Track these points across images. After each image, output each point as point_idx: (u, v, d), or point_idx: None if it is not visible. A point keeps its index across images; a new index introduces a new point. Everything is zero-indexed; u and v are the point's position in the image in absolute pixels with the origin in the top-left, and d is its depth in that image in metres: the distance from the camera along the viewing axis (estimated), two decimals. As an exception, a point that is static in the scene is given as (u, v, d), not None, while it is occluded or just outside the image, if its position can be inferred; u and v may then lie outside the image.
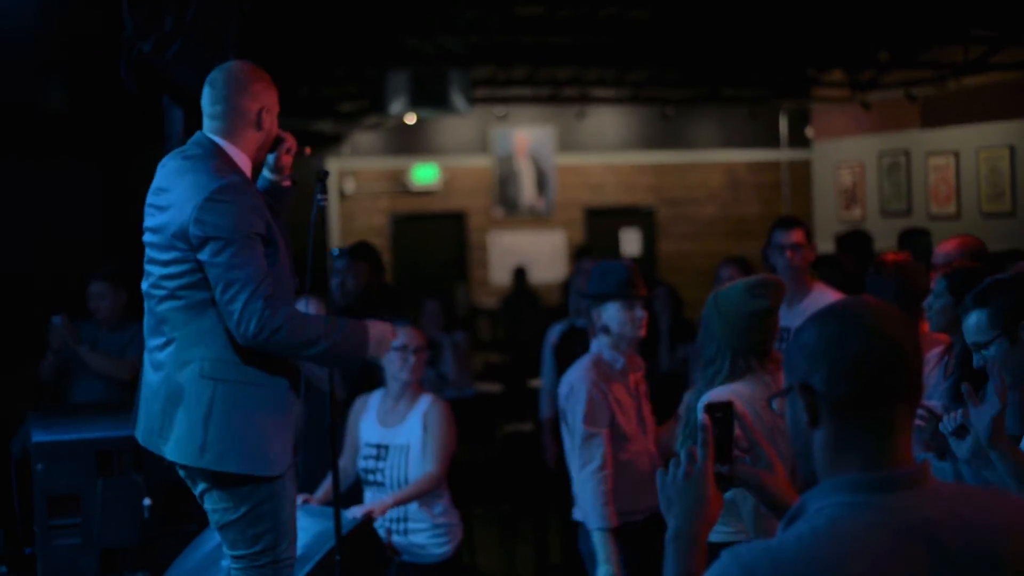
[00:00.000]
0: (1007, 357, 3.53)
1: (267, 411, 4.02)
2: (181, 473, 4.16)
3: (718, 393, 3.93)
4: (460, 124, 15.24)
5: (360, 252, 6.58)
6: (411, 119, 14.29)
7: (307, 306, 4.47)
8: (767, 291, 4.05)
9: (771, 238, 6.15)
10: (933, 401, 3.96)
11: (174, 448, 4.03)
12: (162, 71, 6.36)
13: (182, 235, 3.92)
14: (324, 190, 4.39)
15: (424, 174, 15.41)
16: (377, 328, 4.07)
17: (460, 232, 15.69)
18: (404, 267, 15.32)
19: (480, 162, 15.68)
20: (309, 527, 5.25)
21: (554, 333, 7.54)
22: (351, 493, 5.78)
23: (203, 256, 3.90)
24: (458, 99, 12.75)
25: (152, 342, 4.08)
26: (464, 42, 12.49)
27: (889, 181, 15.19)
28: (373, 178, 15.38)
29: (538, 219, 15.84)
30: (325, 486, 5.60)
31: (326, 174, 4.43)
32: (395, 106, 12.75)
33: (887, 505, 1.94)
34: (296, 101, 13.84)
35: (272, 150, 4.26)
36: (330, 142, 15.03)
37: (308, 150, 4.36)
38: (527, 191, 15.78)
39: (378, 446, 5.64)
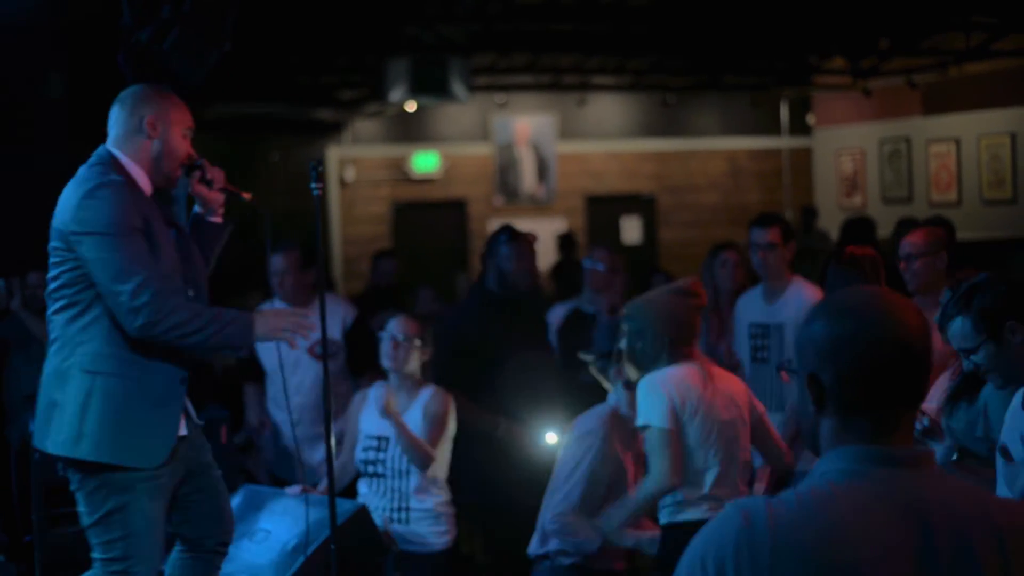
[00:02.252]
0: (996, 360, 3.55)
1: (147, 404, 4.07)
2: (62, 472, 4.18)
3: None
4: (461, 112, 15.22)
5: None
6: (411, 107, 14.29)
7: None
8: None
9: (749, 235, 6.17)
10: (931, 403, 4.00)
11: (54, 440, 4.08)
12: (159, 60, 6.36)
13: (61, 236, 4.02)
14: (318, 179, 4.40)
15: (425, 162, 15.40)
16: (271, 316, 4.19)
17: (461, 220, 15.69)
18: (405, 255, 15.32)
19: (481, 150, 15.67)
20: (305, 515, 5.26)
21: (556, 315, 7.50)
22: (351, 488, 5.79)
23: (86, 252, 3.96)
24: (458, 87, 12.74)
25: (48, 347, 4.17)
26: (464, 30, 12.49)
27: (890, 168, 15.18)
28: (374, 166, 15.37)
29: (539, 207, 15.83)
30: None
31: (319, 163, 4.45)
32: (395, 94, 12.74)
33: (885, 478, 1.99)
34: (296, 89, 13.85)
35: (188, 173, 4.32)
36: (330, 130, 15.02)
37: (248, 195, 4.40)
38: (528, 179, 15.78)
39: (378, 438, 5.63)
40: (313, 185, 4.41)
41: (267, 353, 6.72)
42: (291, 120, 14.42)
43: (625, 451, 5.05)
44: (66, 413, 4.04)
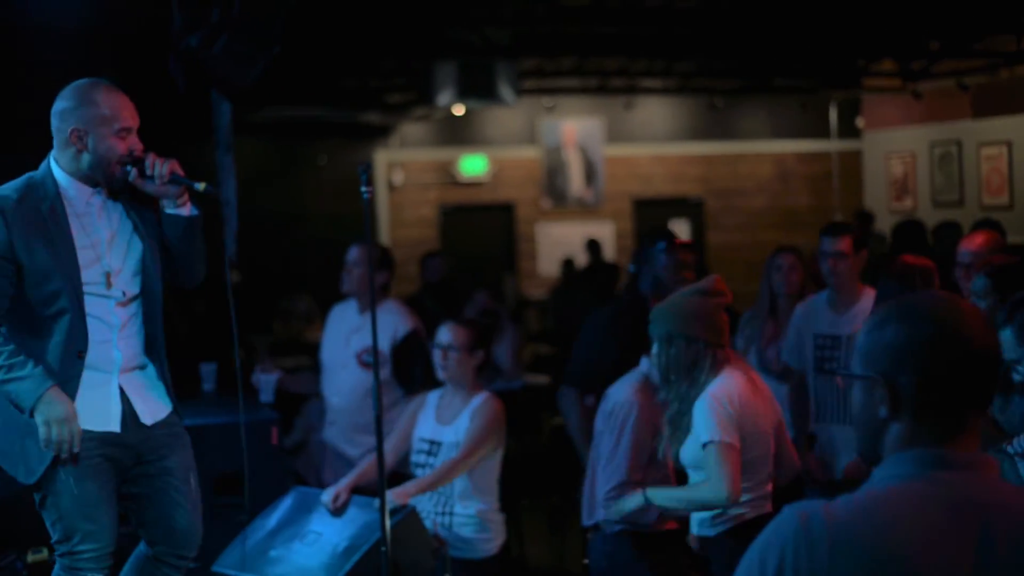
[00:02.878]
0: None
1: (16, 414, 4.07)
2: None
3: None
4: (508, 115, 15.23)
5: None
6: (459, 110, 14.31)
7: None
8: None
9: (819, 243, 6.07)
10: None
11: None
12: (209, 65, 6.40)
13: None
14: (368, 182, 4.42)
15: (472, 165, 15.42)
16: (62, 411, 3.99)
17: (508, 223, 15.69)
18: (452, 258, 15.35)
19: (528, 153, 15.67)
20: (355, 518, 5.28)
21: (596, 319, 7.47)
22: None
23: None
24: (505, 90, 12.74)
25: None
26: (511, 33, 12.49)
27: (941, 171, 15.05)
28: (421, 169, 15.40)
29: (586, 210, 15.81)
30: (358, 469, 5.61)
31: (368, 166, 4.47)
32: (443, 97, 12.76)
33: (945, 480, 2.00)
34: (344, 93, 13.90)
35: (127, 170, 4.21)
36: (378, 134, 15.07)
37: (201, 185, 4.28)
38: (575, 182, 15.77)
39: (431, 441, 5.65)
40: (363, 188, 4.42)
41: (324, 351, 6.80)
42: (339, 124, 14.47)
43: (659, 417, 5.01)
44: None
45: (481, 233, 15.61)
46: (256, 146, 13.60)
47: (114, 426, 4.17)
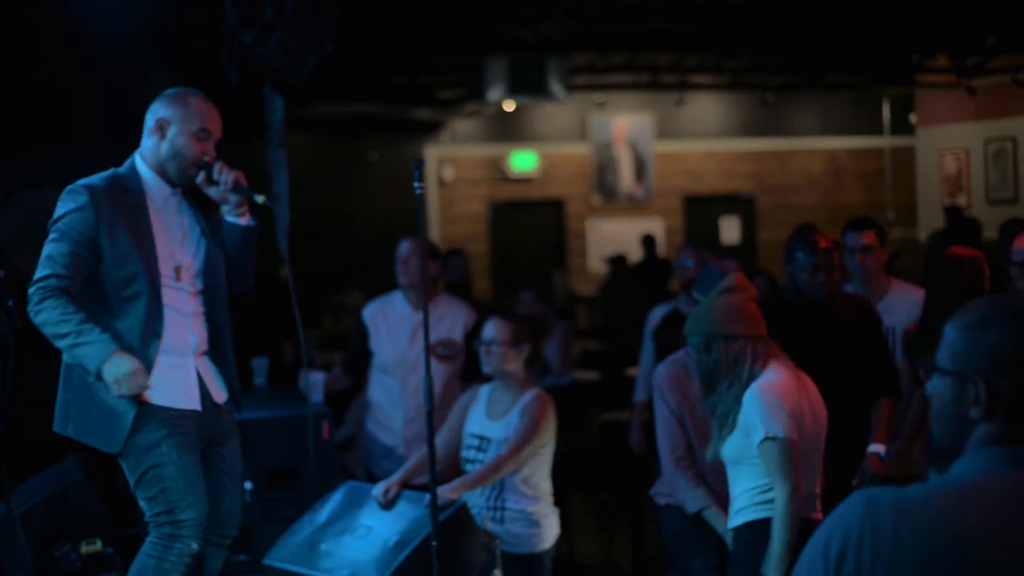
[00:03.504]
0: None
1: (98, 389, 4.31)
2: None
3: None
4: (558, 111, 15.22)
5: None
6: (510, 106, 14.31)
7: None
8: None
9: (842, 239, 6.05)
10: None
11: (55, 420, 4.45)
12: (262, 61, 6.44)
13: None
14: (421, 178, 4.43)
15: (522, 161, 15.43)
16: (127, 366, 4.20)
17: (558, 219, 15.69)
18: (502, 254, 15.36)
19: (578, 149, 15.66)
20: (406, 512, 5.29)
21: (656, 316, 7.47)
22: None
23: None
24: (556, 86, 12.73)
25: None
26: (562, 29, 12.48)
27: (995, 168, 14.91)
28: (472, 165, 15.42)
29: (636, 206, 15.78)
30: (409, 464, 5.63)
31: (421, 162, 4.48)
32: (494, 93, 12.77)
33: (1022, 479, 1.98)
34: (395, 89, 13.94)
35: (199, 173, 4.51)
36: (429, 129, 15.11)
37: (261, 197, 4.56)
38: (625, 178, 15.74)
39: (480, 437, 5.65)
40: (416, 184, 4.43)
41: (383, 351, 6.78)
42: (390, 119, 14.52)
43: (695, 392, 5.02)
44: (59, 396, 4.42)
45: (531, 229, 15.61)
46: (307, 142, 13.67)
47: (196, 404, 4.44)
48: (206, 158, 4.47)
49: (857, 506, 1.98)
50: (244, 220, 4.61)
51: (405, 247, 6.68)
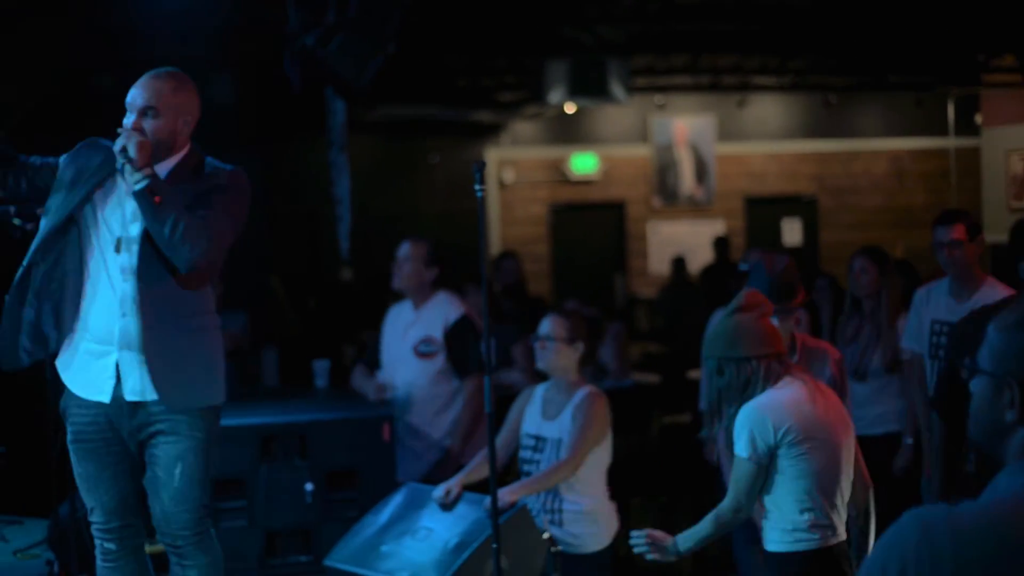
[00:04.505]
0: None
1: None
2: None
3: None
4: (619, 113, 15.19)
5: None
6: (571, 108, 14.30)
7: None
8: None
9: (933, 234, 5.98)
10: None
11: None
12: (324, 64, 6.47)
13: None
14: (482, 181, 4.42)
15: (583, 163, 15.40)
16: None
17: (619, 222, 15.65)
18: (562, 257, 15.34)
19: (639, 151, 15.61)
20: (466, 514, 5.30)
21: (716, 320, 7.44)
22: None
23: None
24: (617, 88, 12.70)
25: None
26: (623, 31, 12.45)
27: (1062, 169, 14.71)
28: (532, 168, 15.42)
29: (697, 208, 15.72)
30: (470, 466, 5.63)
31: (483, 164, 4.47)
32: (554, 95, 12.76)
33: None
34: (456, 91, 13.97)
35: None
36: (489, 132, 15.12)
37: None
38: (686, 180, 15.67)
39: (536, 437, 5.65)
40: (477, 187, 4.43)
41: (385, 353, 6.87)
42: (450, 122, 14.54)
43: None
44: None
45: (591, 232, 15.58)
46: (369, 145, 13.72)
47: (105, 397, 4.36)
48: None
49: (911, 531, 1.92)
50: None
51: (403, 250, 6.78)
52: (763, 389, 4.25)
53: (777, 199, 15.99)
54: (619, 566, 6.08)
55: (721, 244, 14.22)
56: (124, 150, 4.14)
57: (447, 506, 5.38)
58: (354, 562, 5.31)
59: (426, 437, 6.68)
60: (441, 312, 6.79)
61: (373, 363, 6.98)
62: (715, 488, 5.76)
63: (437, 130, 14.60)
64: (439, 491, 5.45)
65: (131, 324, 4.26)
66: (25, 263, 4.33)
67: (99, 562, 4.51)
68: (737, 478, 4.21)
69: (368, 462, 6.31)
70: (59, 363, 4.42)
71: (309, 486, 6.17)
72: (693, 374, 8.97)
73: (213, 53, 9.07)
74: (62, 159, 4.41)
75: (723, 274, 12.80)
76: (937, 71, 14.54)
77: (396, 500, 5.61)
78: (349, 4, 6.48)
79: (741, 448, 4.19)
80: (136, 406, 4.32)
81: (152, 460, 4.35)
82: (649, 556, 4.34)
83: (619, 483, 5.90)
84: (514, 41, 12.27)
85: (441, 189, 14.59)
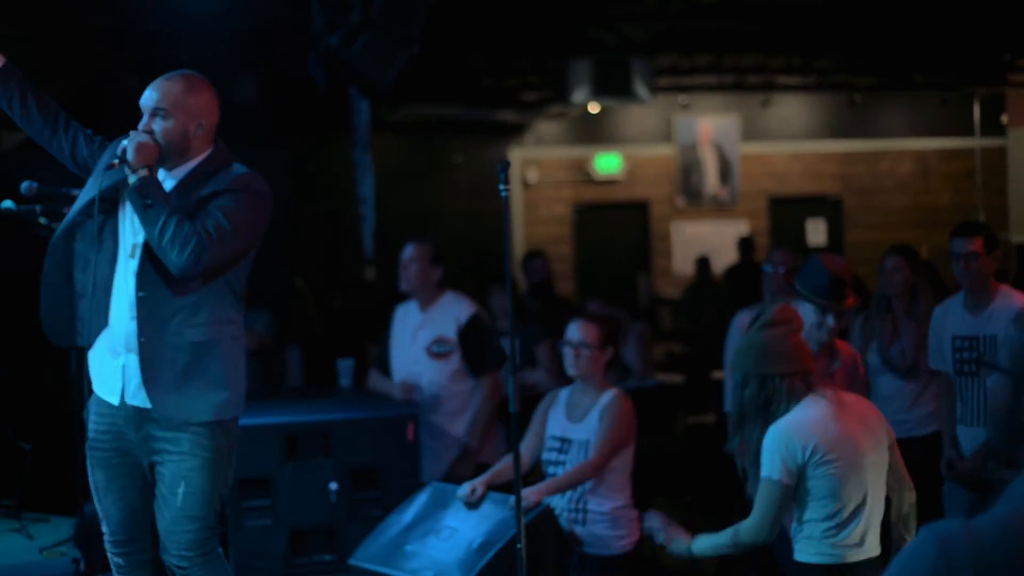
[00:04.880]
0: None
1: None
2: None
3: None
4: (643, 113, 15.17)
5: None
6: (594, 108, 14.29)
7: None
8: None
9: (950, 245, 5.97)
10: None
11: None
12: (349, 63, 6.48)
13: None
14: (506, 181, 4.42)
15: (607, 163, 15.39)
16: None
17: (643, 222, 15.63)
18: (586, 257, 15.33)
19: (663, 151, 15.59)
20: (491, 514, 5.30)
21: (741, 321, 7.40)
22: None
23: None
24: (641, 88, 12.69)
25: None
26: (647, 31, 12.43)
27: (1089, 169, 14.63)
28: (556, 167, 15.41)
29: (721, 208, 15.68)
30: (495, 468, 5.64)
31: (507, 165, 4.46)
32: (578, 95, 12.76)
33: None
34: (480, 91, 13.97)
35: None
36: (513, 132, 15.12)
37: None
38: (710, 180, 15.64)
39: (561, 439, 5.65)
40: (501, 187, 4.42)
41: (392, 350, 6.87)
42: (474, 122, 14.55)
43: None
44: None
45: (615, 231, 15.57)
46: (392, 144, 13.74)
47: (114, 398, 4.33)
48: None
49: (930, 547, 1.89)
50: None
51: (407, 252, 6.79)
52: (786, 407, 4.24)
53: (801, 199, 15.94)
54: (643, 571, 6.07)
55: (745, 244, 14.19)
56: (123, 150, 4.14)
57: (472, 505, 5.39)
58: (378, 561, 5.32)
59: (445, 436, 6.70)
60: (452, 312, 6.80)
61: (382, 366, 6.98)
62: (740, 490, 5.73)
63: (461, 130, 14.61)
64: (464, 489, 5.45)
65: (135, 329, 4.22)
66: (66, 226, 4.34)
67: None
68: (764, 502, 4.20)
69: (392, 461, 6.32)
70: (90, 355, 4.38)
71: (333, 485, 6.18)
72: (717, 374, 8.95)
73: (238, 53, 9.09)
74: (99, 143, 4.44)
75: (747, 274, 12.77)
76: (963, 71, 14.49)
77: (421, 499, 5.62)
78: (373, 4, 6.49)
79: (771, 470, 4.18)
80: (141, 417, 4.26)
81: (158, 478, 4.29)
82: (659, 538, 4.37)
83: (643, 483, 5.89)
84: (538, 41, 12.27)
85: (465, 189, 14.60)
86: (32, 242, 5.20)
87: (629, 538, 5.62)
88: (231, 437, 4.34)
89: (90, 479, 4.39)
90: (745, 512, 5.07)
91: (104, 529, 4.40)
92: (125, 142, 4.17)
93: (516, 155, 15.07)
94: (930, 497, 4.57)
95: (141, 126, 4.25)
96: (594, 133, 15.44)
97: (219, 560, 4.35)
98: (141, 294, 4.18)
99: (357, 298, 12.10)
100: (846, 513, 4.20)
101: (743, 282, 12.68)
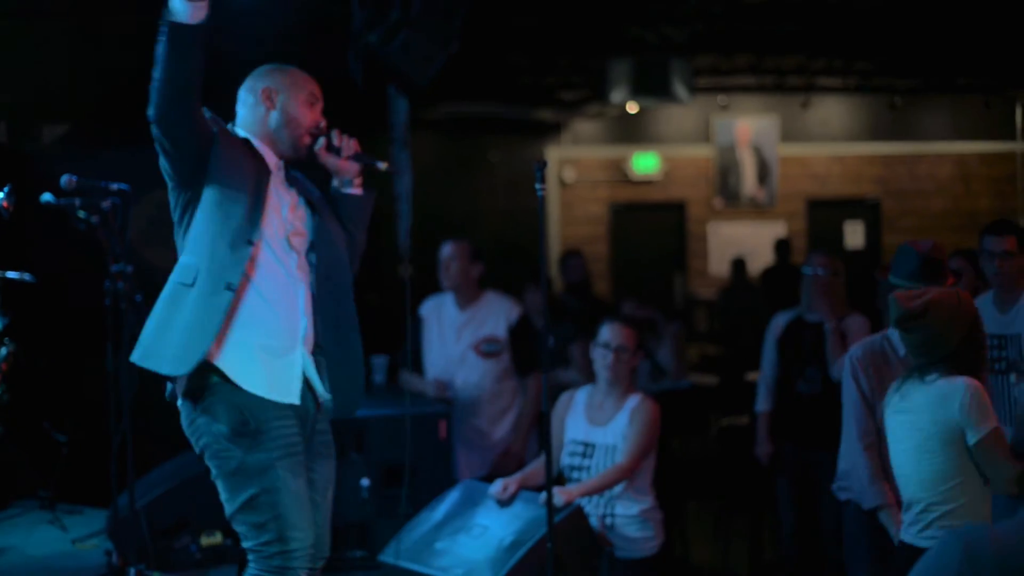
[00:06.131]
0: None
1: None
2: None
3: None
4: (682, 113, 15.13)
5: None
6: (633, 108, 14.26)
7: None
8: None
9: (981, 243, 5.93)
10: None
11: None
12: (387, 62, 6.49)
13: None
14: (543, 180, 4.41)
15: (644, 163, 15.36)
16: None
17: (679, 222, 15.60)
18: (622, 257, 15.30)
19: (701, 152, 15.55)
20: (521, 513, 5.30)
21: (778, 324, 7.37)
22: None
23: None
24: (680, 88, 12.66)
25: None
26: (687, 31, 12.40)
27: None
28: (593, 167, 15.40)
29: (759, 210, 15.63)
30: (529, 468, 5.63)
31: (544, 163, 4.46)
32: (617, 95, 12.74)
33: None
34: (518, 90, 13.97)
35: (315, 142, 4.24)
36: (551, 131, 15.11)
37: (384, 164, 4.30)
38: (748, 181, 15.59)
39: (585, 443, 5.64)
40: (538, 186, 4.42)
41: (432, 348, 6.87)
42: (512, 120, 14.55)
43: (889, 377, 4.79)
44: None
45: (652, 232, 15.54)
46: (430, 143, 13.75)
47: (295, 398, 4.10)
48: (321, 125, 4.22)
49: (954, 551, 1.89)
50: (359, 190, 4.32)
51: (447, 250, 6.82)
52: None
53: (840, 201, 15.87)
54: (675, 573, 6.06)
55: (782, 246, 14.13)
56: (358, 153, 4.28)
57: (504, 503, 5.39)
58: (409, 558, 5.33)
59: (491, 435, 6.74)
60: (501, 311, 6.83)
61: (415, 365, 6.97)
62: (772, 492, 5.72)
63: (498, 128, 14.61)
64: (496, 486, 5.46)
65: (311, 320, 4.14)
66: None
67: None
68: (999, 447, 3.62)
69: (425, 459, 6.33)
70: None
71: (365, 481, 6.19)
72: (751, 376, 8.91)
73: (275, 50, 9.11)
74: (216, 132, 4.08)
75: (784, 277, 12.71)
76: (1006, 74, 14.38)
77: (452, 497, 5.62)
78: (413, 3, 6.49)
79: (989, 420, 3.76)
80: (310, 415, 4.15)
81: (311, 482, 4.15)
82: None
83: (676, 485, 5.88)
84: (577, 40, 12.25)
85: (501, 187, 14.60)
86: (70, 236, 5.23)
87: (657, 539, 5.62)
88: None
89: (288, 492, 3.97)
90: (775, 512, 5.05)
91: (299, 544, 3.97)
92: (348, 140, 4.24)
93: (553, 154, 15.06)
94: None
95: (322, 121, 4.25)
96: (632, 133, 15.41)
97: None
98: (318, 294, 4.15)
99: (393, 295, 12.12)
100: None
101: (779, 284, 12.62)
